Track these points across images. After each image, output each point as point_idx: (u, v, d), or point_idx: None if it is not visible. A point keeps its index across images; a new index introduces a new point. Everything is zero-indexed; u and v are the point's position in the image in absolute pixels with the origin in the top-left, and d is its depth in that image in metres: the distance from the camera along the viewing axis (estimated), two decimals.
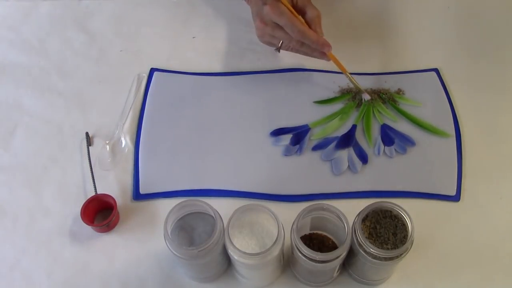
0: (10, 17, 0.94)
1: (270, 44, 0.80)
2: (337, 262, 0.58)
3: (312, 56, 0.79)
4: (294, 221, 0.58)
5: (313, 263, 0.57)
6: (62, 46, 0.90)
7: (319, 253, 0.56)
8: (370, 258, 0.57)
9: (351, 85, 0.82)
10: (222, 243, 0.59)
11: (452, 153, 0.75)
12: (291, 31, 0.74)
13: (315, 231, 0.65)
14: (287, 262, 0.66)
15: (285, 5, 0.74)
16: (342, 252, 0.56)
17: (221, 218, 0.58)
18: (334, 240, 0.64)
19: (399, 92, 0.82)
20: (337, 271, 0.64)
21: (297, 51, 0.79)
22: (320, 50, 0.76)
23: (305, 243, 0.56)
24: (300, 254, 0.57)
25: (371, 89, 0.82)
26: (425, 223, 0.67)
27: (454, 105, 0.80)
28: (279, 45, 0.78)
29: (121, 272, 0.67)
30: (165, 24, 0.92)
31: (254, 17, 0.80)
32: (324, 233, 0.65)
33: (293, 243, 0.57)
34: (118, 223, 0.70)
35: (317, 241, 0.64)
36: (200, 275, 0.64)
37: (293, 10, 0.75)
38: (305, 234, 0.65)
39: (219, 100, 0.81)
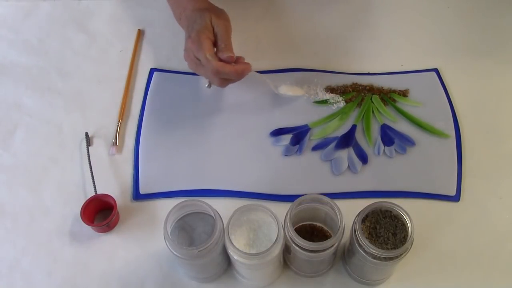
0: (10, 17, 0.94)
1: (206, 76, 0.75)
2: (332, 251, 0.59)
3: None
4: (287, 212, 0.58)
5: (307, 253, 0.58)
6: (62, 46, 0.90)
7: (311, 242, 0.56)
8: (370, 258, 0.57)
9: (349, 85, 0.82)
10: (222, 243, 0.59)
11: (452, 153, 0.75)
12: (207, 70, 0.70)
13: (317, 224, 0.65)
14: (285, 259, 0.66)
15: (207, 36, 0.70)
16: (335, 241, 0.57)
17: (221, 218, 0.58)
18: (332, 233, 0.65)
19: (399, 92, 0.82)
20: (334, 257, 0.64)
21: (226, 84, 0.74)
22: (241, 78, 0.72)
23: (306, 235, 0.57)
24: (294, 245, 0.58)
25: (372, 87, 0.82)
26: (425, 223, 0.68)
27: (454, 105, 0.80)
28: (208, 81, 0.75)
29: (121, 272, 0.67)
30: (165, 24, 0.92)
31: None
32: (325, 228, 0.65)
33: (288, 235, 0.58)
34: (118, 223, 0.70)
35: (317, 232, 0.65)
36: (200, 275, 0.65)
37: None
38: (304, 226, 0.65)
39: (219, 100, 0.81)
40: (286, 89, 0.80)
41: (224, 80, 0.72)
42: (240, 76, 0.71)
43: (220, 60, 0.70)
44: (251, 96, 0.82)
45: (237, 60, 0.73)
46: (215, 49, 0.71)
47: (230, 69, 0.70)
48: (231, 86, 0.83)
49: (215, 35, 0.72)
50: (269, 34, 0.89)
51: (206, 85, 0.76)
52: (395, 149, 0.75)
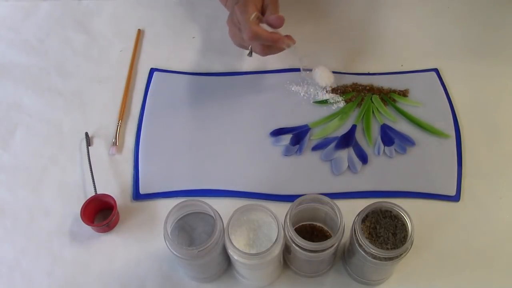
0: (10, 17, 0.94)
1: (242, 46, 0.77)
2: (332, 251, 0.59)
3: (280, 51, 0.75)
4: (287, 212, 0.58)
5: (307, 253, 0.58)
6: (62, 46, 0.90)
7: (311, 242, 0.56)
8: (370, 258, 0.57)
9: (349, 85, 0.82)
10: (222, 243, 0.59)
11: (452, 153, 0.75)
12: (243, 32, 0.71)
13: (317, 224, 0.65)
14: (285, 259, 0.66)
15: (253, 3, 0.71)
16: (335, 241, 0.57)
17: (221, 218, 0.58)
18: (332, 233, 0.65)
19: (399, 92, 0.82)
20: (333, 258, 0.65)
21: (266, 54, 0.75)
22: (276, 46, 0.73)
23: (306, 235, 0.57)
24: (294, 245, 0.58)
25: (372, 87, 0.82)
26: (425, 223, 0.68)
27: (454, 105, 0.80)
28: (250, 48, 0.75)
29: (121, 272, 0.67)
30: (165, 24, 0.92)
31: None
32: (325, 228, 0.65)
33: (288, 235, 0.58)
34: (118, 223, 0.70)
35: (317, 232, 0.65)
36: (200, 275, 0.65)
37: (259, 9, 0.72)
38: (304, 226, 0.65)
39: (219, 100, 0.81)
40: (321, 73, 0.81)
41: (265, 47, 0.73)
42: (275, 43, 0.72)
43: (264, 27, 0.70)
44: (251, 96, 0.82)
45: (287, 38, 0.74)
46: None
47: (267, 34, 0.70)
48: (231, 85, 0.83)
49: (263, 7, 0.72)
50: None
51: (247, 53, 0.76)
52: (395, 149, 0.75)
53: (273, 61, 0.86)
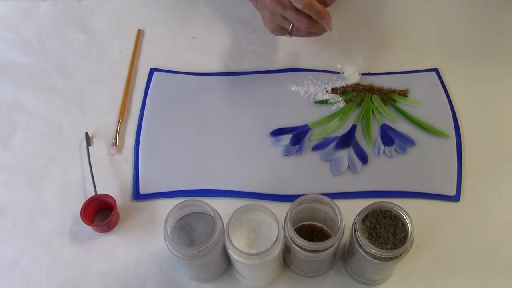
0: (10, 17, 0.94)
1: (280, 30, 0.77)
2: (332, 251, 0.59)
3: (321, 34, 0.77)
4: (287, 212, 0.58)
5: (307, 253, 0.58)
6: (62, 46, 0.90)
7: (311, 242, 0.56)
8: (370, 258, 0.57)
9: (349, 85, 0.82)
10: (222, 243, 0.59)
11: (452, 153, 0.75)
12: (296, 1, 0.70)
13: (317, 224, 0.65)
14: (285, 259, 0.66)
15: None
16: (335, 241, 0.57)
17: (221, 218, 0.58)
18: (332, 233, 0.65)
19: (399, 92, 0.82)
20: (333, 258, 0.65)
21: (308, 33, 0.76)
22: (321, 22, 0.73)
23: (306, 235, 0.57)
24: (294, 245, 0.58)
25: (372, 87, 0.82)
26: (425, 223, 0.68)
27: (454, 105, 0.80)
28: (290, 28, 0.75)
29: (121, 272, 0.67)
30: (165, 24, 0.92)
31: (263, 4, 0.77)
32: (325, 228, 0.65)
33: (288, 235, 0.58)
34: (118, 223, 0.70)
35: (317, 232, 0.65)
36: (200, 275, 0.65)
37: None
38: (304, 226, 0.65)
39: (219, 100, 0.81)
40: (351, 73, 0.83)
41: (310, 24, 0.72)
42: (323, 18, 0.71)
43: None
44: (251, 96, 0.82)
45: None
46: None
47: (319, 5, 0.70)
48: (231, 85, 0.83)
49: None
50: (270, 35, 0.89)
51: (286, 34, 0.77)
52: (395, 149, 0.75)
53: (273, 61, 0.86)
